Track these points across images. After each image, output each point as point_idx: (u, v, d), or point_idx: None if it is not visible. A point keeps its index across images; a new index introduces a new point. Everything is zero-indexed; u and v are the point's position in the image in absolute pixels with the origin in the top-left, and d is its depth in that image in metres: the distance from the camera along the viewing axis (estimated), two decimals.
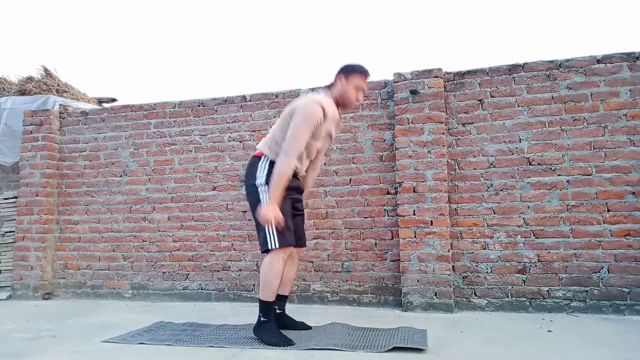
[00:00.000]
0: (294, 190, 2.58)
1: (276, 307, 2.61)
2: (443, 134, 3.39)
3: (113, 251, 4.14)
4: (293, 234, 2.48)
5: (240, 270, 3.81)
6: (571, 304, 3.11)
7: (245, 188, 2.60)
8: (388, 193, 3.55)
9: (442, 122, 3.40)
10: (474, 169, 3.39)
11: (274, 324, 2.45)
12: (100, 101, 5.28)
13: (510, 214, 3.28)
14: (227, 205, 3.90)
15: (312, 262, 3.65)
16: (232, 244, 3.84)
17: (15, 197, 4.40)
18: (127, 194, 4.17)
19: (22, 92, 4.76)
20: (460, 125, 3.46)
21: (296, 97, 3.83)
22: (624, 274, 3.05)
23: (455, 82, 3.50)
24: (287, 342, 2.35)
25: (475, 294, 3.29)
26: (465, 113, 3.45)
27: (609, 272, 3.07)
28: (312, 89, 3.81)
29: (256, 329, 2.47)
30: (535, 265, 3.20)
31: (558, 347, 2.30)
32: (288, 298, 2.76)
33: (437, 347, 2.31)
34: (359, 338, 2.48)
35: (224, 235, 3.88)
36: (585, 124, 3.22)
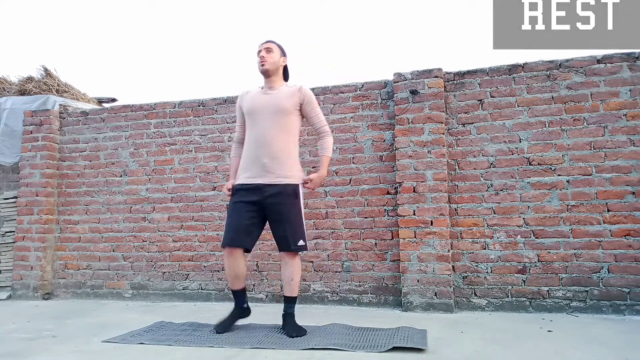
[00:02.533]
0: (241, 194, 2.68)
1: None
2: (443, 134, 3.39)
3: (113, 251, 4.14)
4: (236, 235, 2.65)
5: None
6: (571, 304, 3.11)
7: None
8: (388, 193, 3.55)
9: (442, 122, 3.40)
10: (474, 169, 3.39)
11: (232, 312, 2.81)
12: (100, 101, 5.28)
13: (510, 214, 3.28)
14: (227, 205, 3.89)
15: (312, 262, 3.65)
16: None
17: (15, 197, 4.40)
18: (127, 194, 4.17)
19: (22, 92, 4.76)
20: (460, 125, 3.46)
21: None
22: (624, 274, 3.05)
23: (455, 82, 3.50)
24: (216, 330, 2.68)
25: (475, 294, 3.29)
26: (465, 113, 3.45)
27: (609, 272, 3.07)
28: (312, 89, 3.81)
29: None
30: (535, 265, 3.20)
31: (558, 347, 2.30)
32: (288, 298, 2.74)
33: (437, 347, 2.31)
34: (359, 338, 2.48)
35: None
36: (585, 124, 3.22)
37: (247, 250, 2.75)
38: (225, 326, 2.72)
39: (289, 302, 2.69)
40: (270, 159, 2.61)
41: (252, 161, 2.66)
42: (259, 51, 2.76)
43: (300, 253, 2.71)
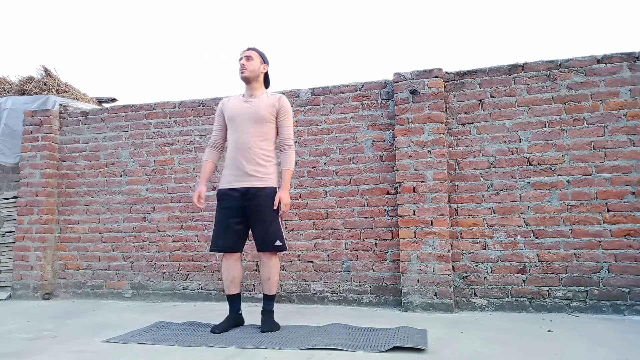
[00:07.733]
0: (226, 200, 2.78)
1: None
2: (443, 134, 3.39)
3: (113, 251, 4.14)
4: (225, 241, 2.77)
5: None
6: (571, 304, 3.11)
7: None
8: (388, 193, 3.55)
9: (442, 122, 3.40)
10: (474, 169, 3.39)
11: (228, 317, 2.81)
12: (100, 101, 5.28)
13: (510, 214, 3.28)
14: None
15: (312, 262, 3.65)
16: None
17: (15, 197, 4.40)
18: (127, 194, 4.17)
19: (22, 92, 4.76)
20: (460, 125, 3.46)
21: (296, 97, 3.83)
22: (624, 274, 3.05)
23: (455, 82, 3.50)
24: (213, 331, 2.70)
25: (475, 294, 3.29)
26: (465, 113, 3.45)
27: (609, 272, 3.07)
28: (312, 89, 3.81)
29: None
30: (535, 265, 3.20)
31: (558, 347, 2.30)
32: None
33: (437, 347, 2.31)
34: (359, 338, 2.48)
35: None
36: (585, 124, 3.22)
37: (240, 252, 2.88)
38: (222, 329, 2.73)
39: (267, 300, 2.80)
40: (250, 164, 2.75)
41: (233, 166, 2.79)
42: (240, 58, 2.85)
43: (279, 253, 2.81)
